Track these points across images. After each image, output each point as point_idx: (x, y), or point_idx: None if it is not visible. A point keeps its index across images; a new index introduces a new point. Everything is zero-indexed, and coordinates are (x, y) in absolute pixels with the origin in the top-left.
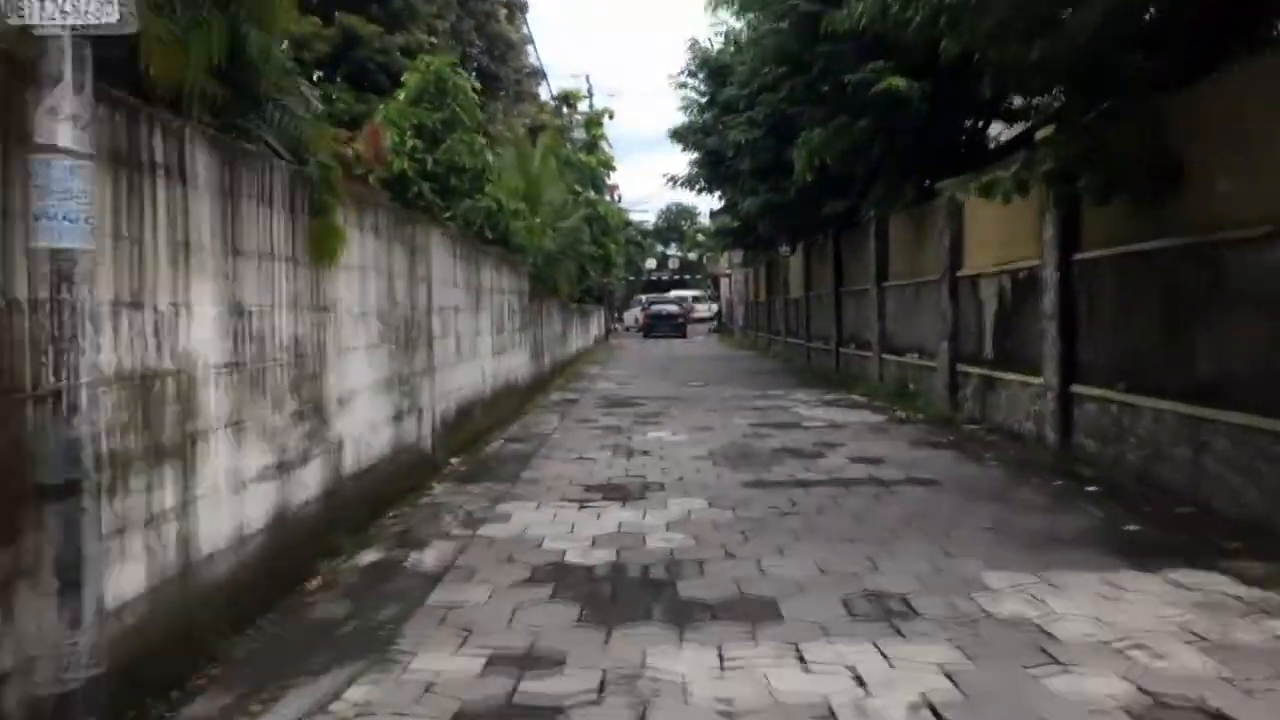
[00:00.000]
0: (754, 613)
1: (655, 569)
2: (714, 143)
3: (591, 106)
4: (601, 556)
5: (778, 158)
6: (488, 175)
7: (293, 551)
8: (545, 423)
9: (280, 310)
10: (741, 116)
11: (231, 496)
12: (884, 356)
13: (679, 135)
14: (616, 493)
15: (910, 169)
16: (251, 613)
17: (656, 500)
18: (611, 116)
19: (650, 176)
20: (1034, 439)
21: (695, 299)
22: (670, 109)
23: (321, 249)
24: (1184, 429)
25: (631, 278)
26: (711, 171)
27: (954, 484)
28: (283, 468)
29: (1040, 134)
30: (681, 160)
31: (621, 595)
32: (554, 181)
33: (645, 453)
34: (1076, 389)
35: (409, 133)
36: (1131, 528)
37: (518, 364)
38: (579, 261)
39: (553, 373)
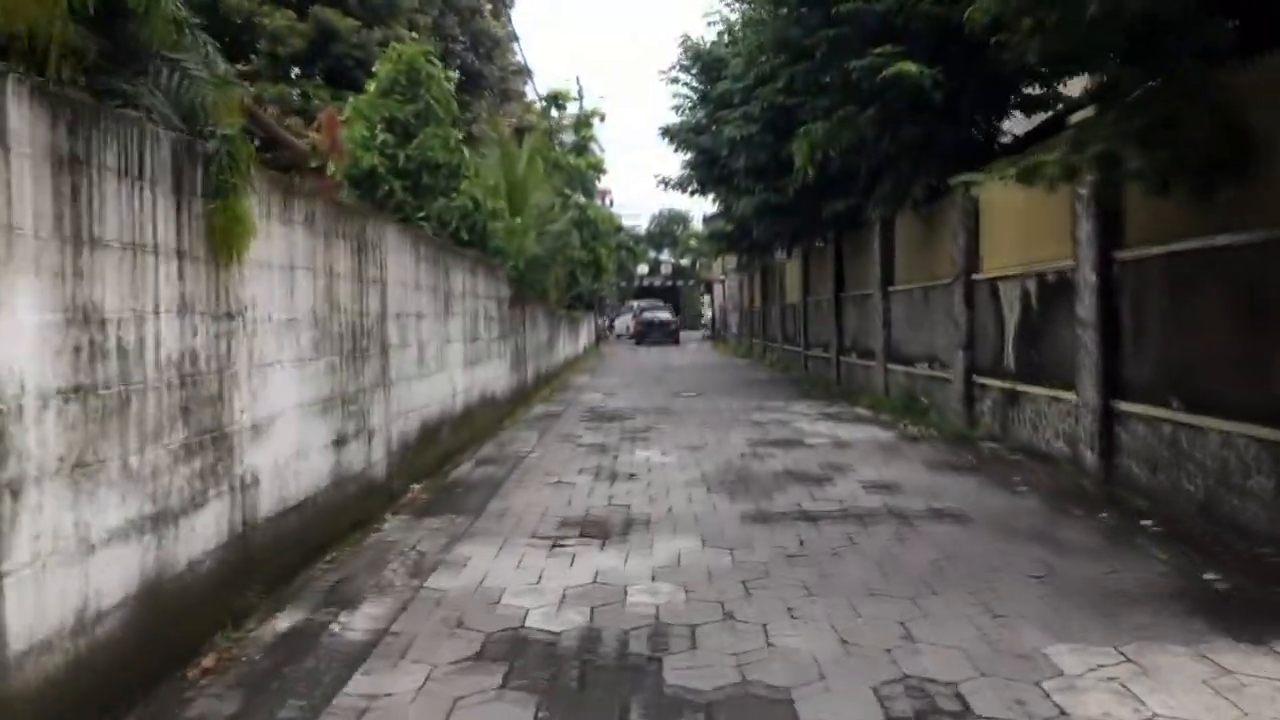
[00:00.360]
0: (762, 716)
1: (636, 639)
2: (707, 141)
3: (581, 108)
4: (571, 619)
5: (775, 155)
6: (464, 172)
7: (177, 624)
8: (523, 441)
9: (161, 317)
10: (736, 111)
11: (67, 567)
12: (889, 366)
13: (670, 134)
14: (595, 529)
15: (920, 164)
16: None
17: (641, 539)
18: (602, 119)
19: (642, 181)
20: (1067, 461)
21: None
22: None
23: (224, 242)
24: (1263, 456)
25: (623, 284)
26: (705, 172)
27: (986, 518)
28: (161, 518)
29: (1076, 117)
30: (674, 162)
31: (592, 682)
32: (541, 184)
33: (631, 476)
34: (1120, 406)
35: (379, 126)
36: (1212, 578)
37: (495, 375)
38: (568, 267)
39: (537, 383)
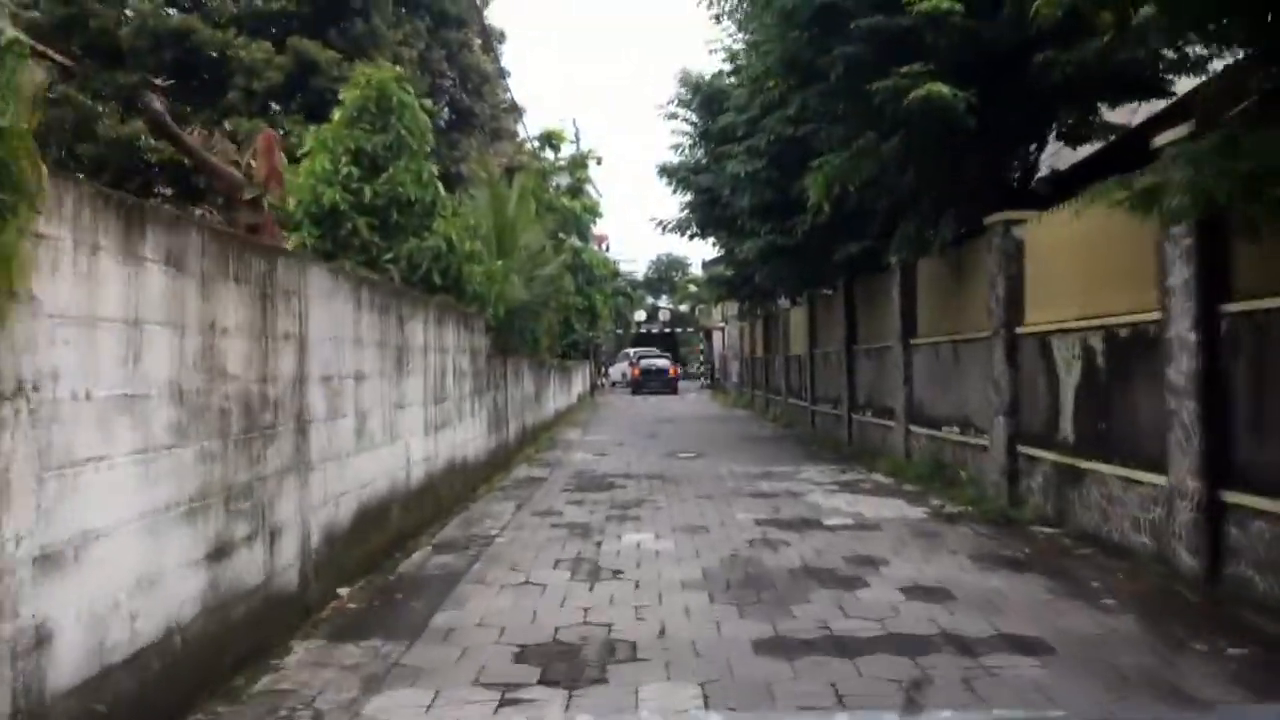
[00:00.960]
0: None
1: None
2: (707, 180)
3: (578, 148)
4: None
5: (782, 192)
6: (440, 210)
7: None
8: (495, 517)
9: None
10: (740, 146)
11: None
12: (911, 428)
13: (668, 173)
14: (563, 666)
15: (948, 200)
16: None
17: (622, 689)
18: (599, 162)
19: (640, 224)
20: (1152, 559)
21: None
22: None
23: None
24: None
25: (619, 331)
26: (705, 213)
27: (1075, 651)
28: None
29: (1163, 139)
30: (673, 204)
31: None
32: (531, 225)
33: (617, 573)
34: (1231, 497)
35: (345, 159)
36: None
37: (468, 438)
38: (562, 314)
39: (521, 441)
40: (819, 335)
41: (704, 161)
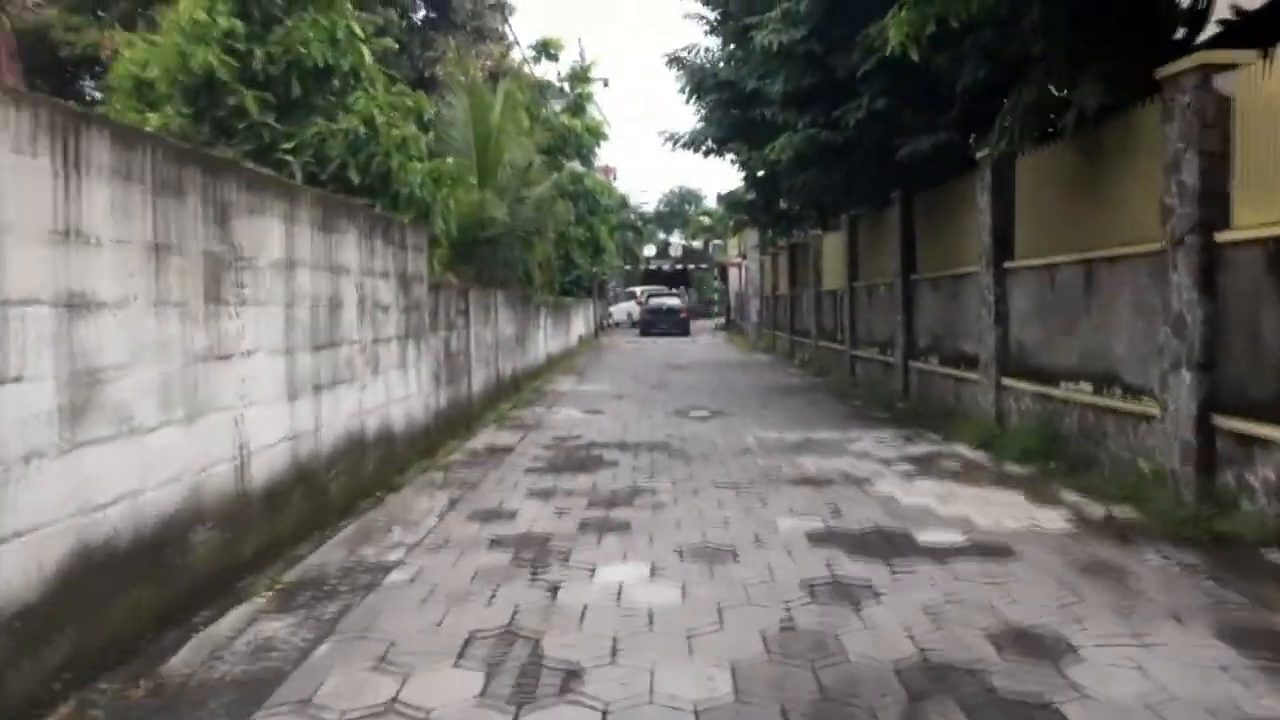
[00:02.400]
0: None
1: None
2: (728, 73)
3: (581, 61)
4: None
5: (827, 72)
6: (365, 82)
7: None
8: (408, 525)
9: None
10: (774, 10)
11: None
12: (1006, 382)
13: (681, 64)
14: None
15: (1088, 55)
16: None
17: None
18: (606, 84)
19: (651, 158)
20: None
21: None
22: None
23: None
24: None
25: (628, 267)
26: (723, 118)
27: None
28: None
29: None
30: (686, 121)
31: None
32: (519, 138)
33: (571, 676)
34: None
35: (223, 6)
36: None
37: (391, 398)
38: (561, 245)
39: (494, 395)
40: (861, 265)
41: (724, 53)
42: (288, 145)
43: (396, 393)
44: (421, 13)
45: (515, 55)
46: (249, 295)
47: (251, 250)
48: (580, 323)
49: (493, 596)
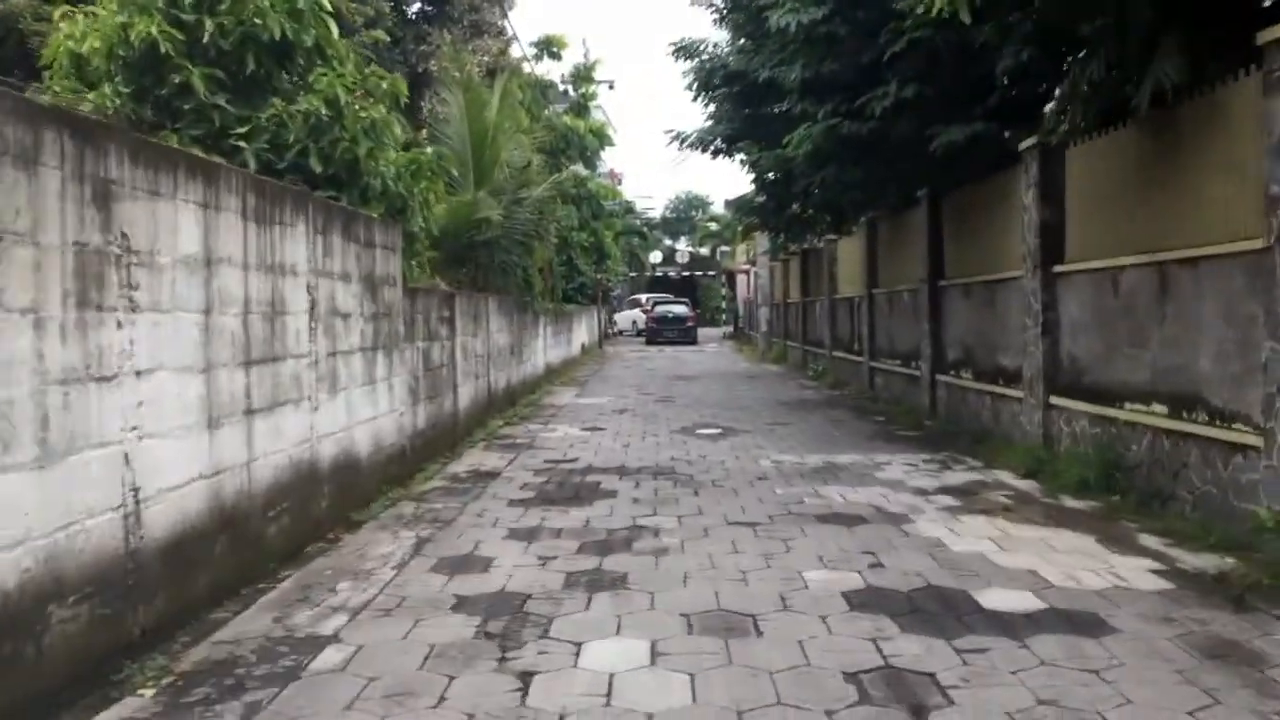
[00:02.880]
0: None
1: None
2: (741, 63)
3: (586, 60)
4: None
5: (851, 57)
6: (333, 61)
7: None
8: (360, 578)
9: None
10: None
11: None
12: (1056, 402)
13: (686, 53)
14: None
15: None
16: None
17: None
18: (612, 86)
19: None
20: None
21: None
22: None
23: None
24: None
25: (633, 274)
26: (734, 113)
27: None
28: None
29: None
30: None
31: None
32: (516, 135)
33: None
34: None
35: None
36: None
37: (353, 420)
38: (564, 250)
39: (484, 410)
40: (881, 271)
41: (734, 45)
42: (241, 130)
43: (362, 413)
44: (416, 5)
45: (515, 52)
46: (144, 299)
47: (148, 243)
48: (584, 331)
49: (445, 693)
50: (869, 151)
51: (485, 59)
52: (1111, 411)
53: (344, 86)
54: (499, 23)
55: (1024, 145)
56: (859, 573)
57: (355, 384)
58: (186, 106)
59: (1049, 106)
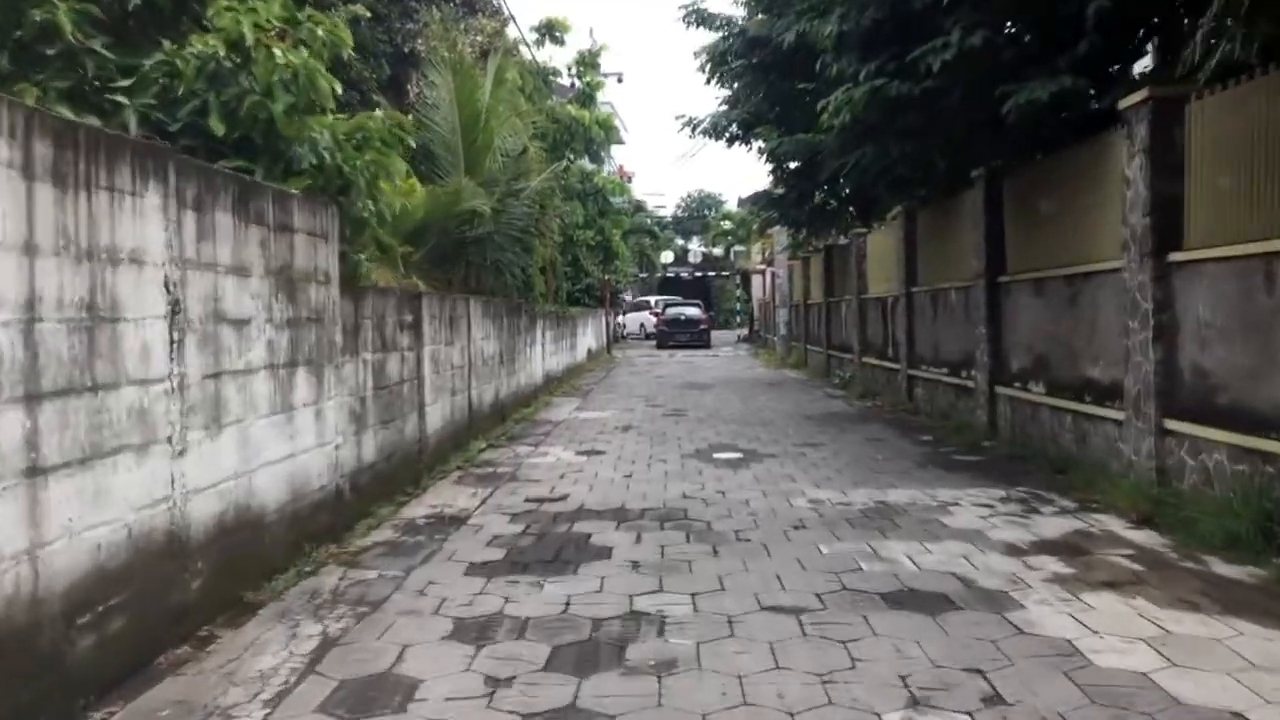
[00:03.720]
0: None
1: None
2: (762, 27)
3: (593, 46)
4: None
5: (900, 4)
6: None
7: None
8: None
9: None
10: None
11: None
12: (1174, 427)
13: (701, 19)
14: None
15: None
16: None
17: None
18: (620, 79)
19: (668, 164)
20: None
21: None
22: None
23: None
24: None
25: (643, 275)
26: (753, 88)
27: None
28: None
29: None
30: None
31: None
32: (511, 119)
33: None
34: None
35: None
36: None
37: (251, 463)
38: (570, 250)
39: (460, 432)
40: (922, 266)
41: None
42: (123, 83)
43: (270, 451)
44: None
45: (512, 33)
46: None
47: None
48: (590, 335)
49: None
50: (920, 120)
51: (479, 39)
52: (1268, 445)
53: (255, 25)
54: (494, 0)
55: (1128, 101)
56: (970, 718)
57: (257, 414)
58: (51, 52)
59: (1142, 63)
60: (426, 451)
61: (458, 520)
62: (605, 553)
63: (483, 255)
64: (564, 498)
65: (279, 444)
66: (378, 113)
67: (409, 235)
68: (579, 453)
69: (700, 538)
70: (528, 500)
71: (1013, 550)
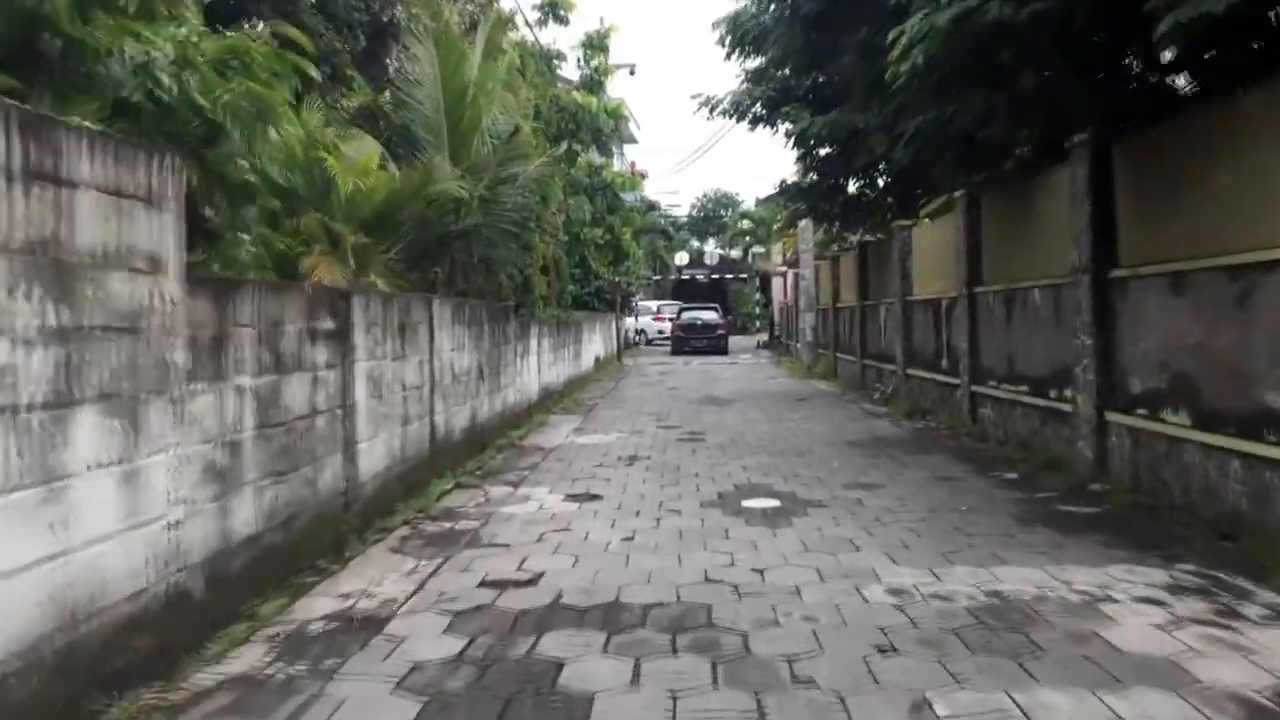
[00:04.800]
0: None
1: None
2: None
3: (601, 28)
4: None
5: None
6: None
7: None
8: None
9: None
10: None
11: None
12: None
13: None
14: None
15: None
16: None
17: None
18: (633, 71)
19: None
20: None
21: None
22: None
23: None
24: None
25: (657, 277)
26: (789, 44)
27: None
28: None
29: None
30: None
31: None
32: (503, 95)
33: None
34: None
35: None
36: None
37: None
38: (576, 250)
39: (415, 473)
40: (989, 261)
41: None
42: None
43: (20, 553)
44: None
45: (508, 2)
46: None
47: None
48: (598, 342)
49: None
50: (1024, 60)
51: (469, 7)
52: None
53: None
54: None
55: None
56: None
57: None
58: None
59: None
60: (357, 504)
61: (371, 625)
62: (582, 709)
63: (470, 251)
64: (536, 579)
65: (31, 544)
66: (261, 27)
67: (368, 224)
68: (569, 496)
69: (734, 672)
70: (484, 585)
71: (1251, 709)
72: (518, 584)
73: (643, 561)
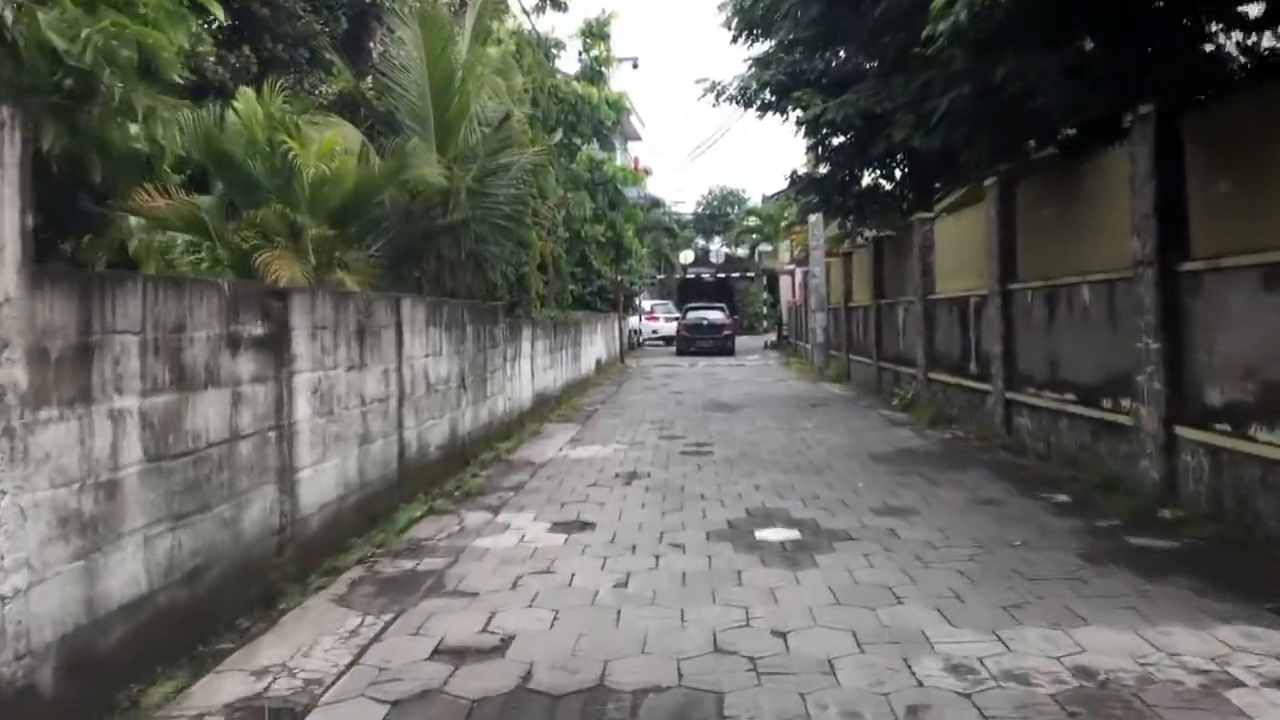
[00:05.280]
0: None
1: None
2: None
3: (601, 17)
4: None
5: None
6: None
7: None
8: None
9: None
10: None
11: None
12: None
13: None
14: None
15: None
16: None
17: None
18: (636, 65)
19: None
20: None
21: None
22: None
23: None
24: None
25: (661, 276)
26: (804, 19)
27: None
28: None
29: None
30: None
31: None
32: (493, 78)
33: None
34: None
35: None
36: None
37: None
38: (577, 247)
39: (377, 501)
40: (1026, 255)
41: None
42: None
43: None
44: None
45: None
46: None
47: None
48: (600, 343)
49: None
50: (1086, 12)
51: None
52: None
53: None
54: None
55: None
56: None
57: None
58: None
59: None
60: (295, 545)
61: None
62: None
63: (459, 247)
64: (503, 646)
65: None
66: None
67: (336, 216)
68: (555, 525)
69: None
70: (438, 654)
71: None
72: (480, 653)
73: (637, 619)
